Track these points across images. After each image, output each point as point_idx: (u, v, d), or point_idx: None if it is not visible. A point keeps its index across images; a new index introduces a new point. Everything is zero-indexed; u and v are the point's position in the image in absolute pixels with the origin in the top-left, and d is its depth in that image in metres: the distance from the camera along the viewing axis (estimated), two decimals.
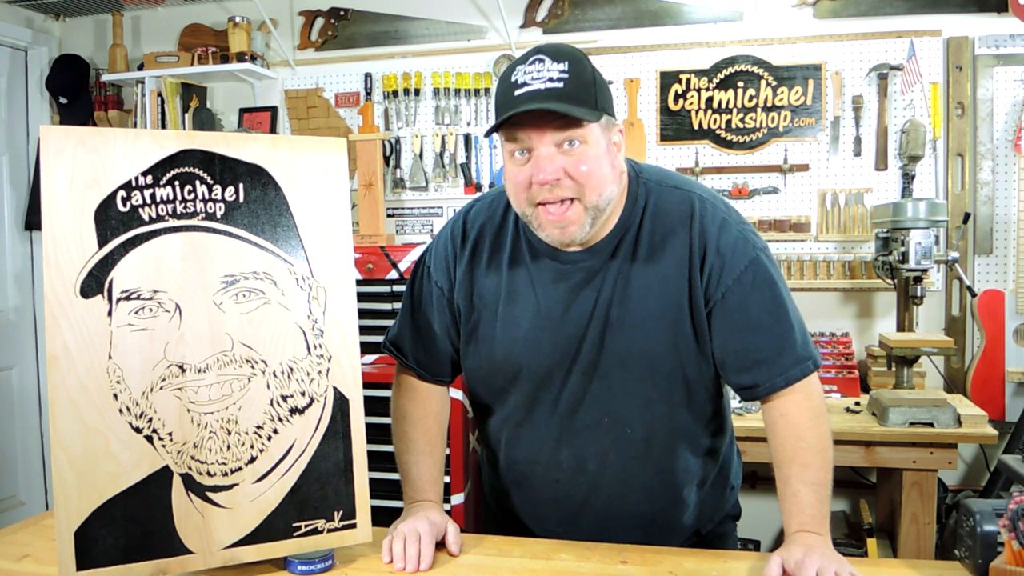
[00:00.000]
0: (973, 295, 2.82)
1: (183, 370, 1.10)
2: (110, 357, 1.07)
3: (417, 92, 3.30)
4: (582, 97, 1.12)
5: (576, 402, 1.25)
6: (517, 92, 1.12)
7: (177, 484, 1.11)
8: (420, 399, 1.39)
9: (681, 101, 3.08)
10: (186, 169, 1.12)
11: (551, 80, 1.11)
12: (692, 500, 1.35)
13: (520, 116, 1.11)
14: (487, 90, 3.25)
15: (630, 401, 1.24)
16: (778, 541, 3.12)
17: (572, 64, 1.12)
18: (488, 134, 1.19)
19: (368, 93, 3.35)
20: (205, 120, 3.40)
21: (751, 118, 3.03)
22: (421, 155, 3.32)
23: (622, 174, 1.21)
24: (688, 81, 3.07)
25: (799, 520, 1.16)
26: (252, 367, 1.14)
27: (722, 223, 1.22)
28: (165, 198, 1.11)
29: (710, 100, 3.06)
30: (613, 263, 1.22)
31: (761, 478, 2.95)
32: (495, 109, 1.18)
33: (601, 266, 1.23)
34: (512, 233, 1.29)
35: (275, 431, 1.15)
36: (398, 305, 2.85)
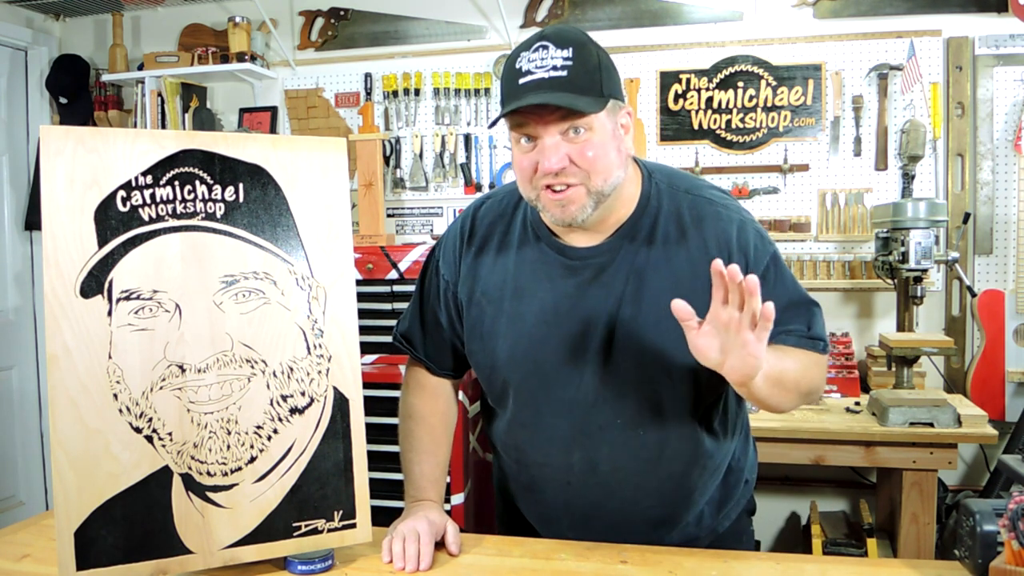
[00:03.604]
0: (973, 295, 2.82)
1: (183, 370, 1.10)
2: (110, 357, 1.07)
3: (417, 92, 3.30)
4: (586, 85, 1.10)
5: (589, 403, 1.24)
6: (521, 81, 1.11)
7: (177, 484, 1.11)
8: (428, 397, 1.39)
9: (681, 101, 3.08)
10: (186, 169, 1.12)
11: (555, 68, 1.09)
12: (706, 501, 1.34)
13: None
14: (487, 90, 3.25)
15: (643, 404, 1.23)
16: (779, 541, 3.12)
17: (576, 50, 1.10)
18: (491, 125, 1.19)
19: (368, 93, 3.35)
20: (205, 120, 3.40)
21: (751, 118, 3.03)
22: (421, 155, 3.32)
23: (628, 158, 1.19)
24: (688, 81, 3.07)
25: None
26: (252, 367, 1.14)
27: (740, 224, 1.22)
28: (165, 198, 1.11)
29: (710, 100, 3.06)
30: (624, 261, 1.21)
31: (761, 477, 2.94)
32: (501, 96, 1.17)
33: (609, 263, 1.22)
34: (520, 230, 1.29)
35: (275, 431, 1.15)
36: (398, 305, 2.87)
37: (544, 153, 1.13)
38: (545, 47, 1.10)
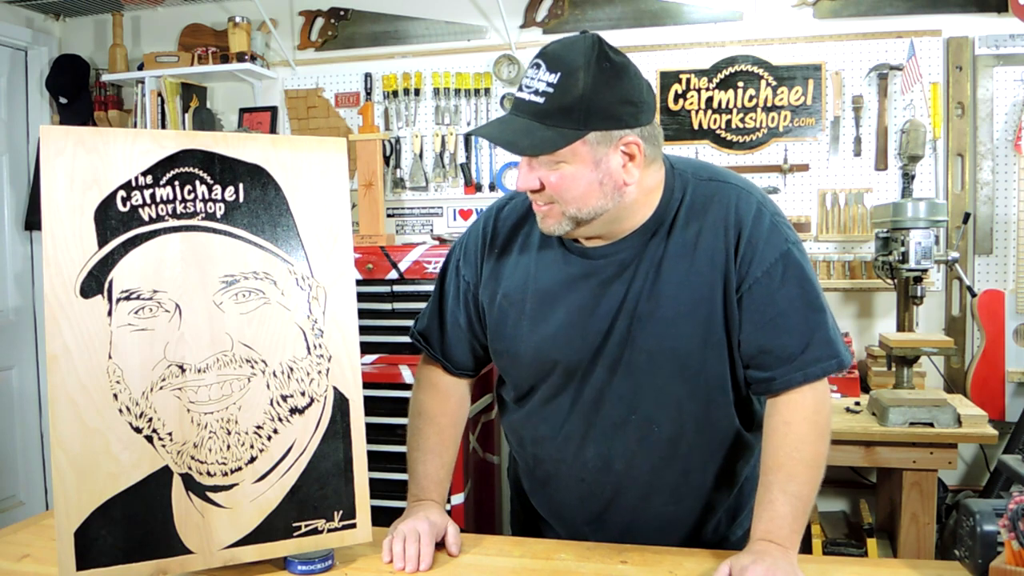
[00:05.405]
0: (973, 295, 2.82)
1: (183, 370, 1.10)
2: (110, 357, 1.07)
3: (417, 92, 3.30)
4: (558, 116, 1.09)
5: (599, 397, 1.23)
6: (515, 94, 1.13)
7: (177, 484, 1.11)
8: (440, 397, 1.39)
9: (681, 101, 3.08)
10: (186, 169, 1.12)
11: (536, 93, 1.10)
12: (724, 503, 1.33)
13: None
14: (487, 90, 3.25)
15: (658, 399, 1.22)
16: None
17: (563, 77, 1.08)
18: (466, 135, 1.21)
19: (368, 93, 3.35)
20: (205, 120, 3.40)
21: (751, 118, 3.03)
22: (421, 155, 3.32)
23: (623, 187, 1.14)
24: (688, 81, 3.07)
25: (765, 528, 1.12)
26: (252, 367, 1.14)
27: (756, 212, 1.19)
28: (165, 198, 1.11)
29: (710, 100, 3.06)
30: (645, 256, 1.20)
31: None
32: None
33: (632, 259, 1.20)
34: (541, 232, 1.27)
35: (275, 431, 1.15)
36: (399, 305, 2.87)
37: (517, 173, 1.16)
38: (539, 66, 1.10)
